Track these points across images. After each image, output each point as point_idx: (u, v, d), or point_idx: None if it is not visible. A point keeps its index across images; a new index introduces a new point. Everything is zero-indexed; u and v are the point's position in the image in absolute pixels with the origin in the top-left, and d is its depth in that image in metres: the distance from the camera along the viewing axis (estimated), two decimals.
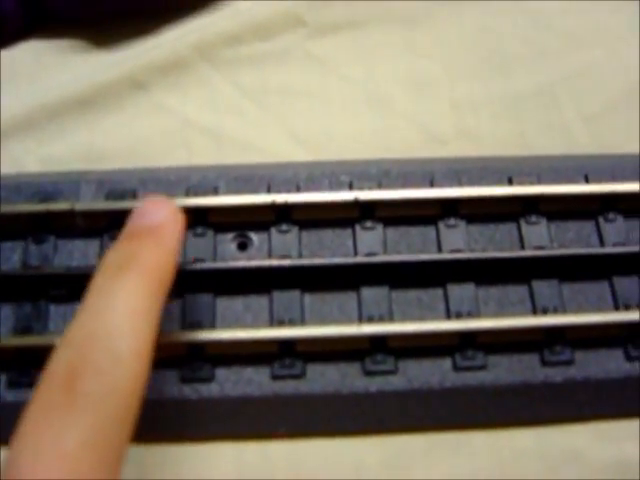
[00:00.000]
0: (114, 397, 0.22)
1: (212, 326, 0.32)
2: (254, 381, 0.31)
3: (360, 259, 0.33)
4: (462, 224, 0.35)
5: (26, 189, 0.35)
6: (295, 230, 0.34)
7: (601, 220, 0.35)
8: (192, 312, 0.32)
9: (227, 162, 0.38)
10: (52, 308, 0.33)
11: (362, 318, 0.33)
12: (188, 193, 0.35)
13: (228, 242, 0.34)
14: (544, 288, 0.33)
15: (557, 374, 0.32)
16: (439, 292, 0.33)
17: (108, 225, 0.34)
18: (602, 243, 0.35)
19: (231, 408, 0.31)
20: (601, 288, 0.34)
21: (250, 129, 0.39)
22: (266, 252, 0.34)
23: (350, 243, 0.34)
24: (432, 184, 0.36)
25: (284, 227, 0.34)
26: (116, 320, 0.23)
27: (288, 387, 0.31)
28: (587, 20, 0.43)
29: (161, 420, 0.31)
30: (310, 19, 0.42)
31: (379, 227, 0.34)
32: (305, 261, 0.33)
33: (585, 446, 0.32)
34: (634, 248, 0.34)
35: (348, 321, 0.33)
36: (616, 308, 0.33)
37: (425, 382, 0.32)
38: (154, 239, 0.26)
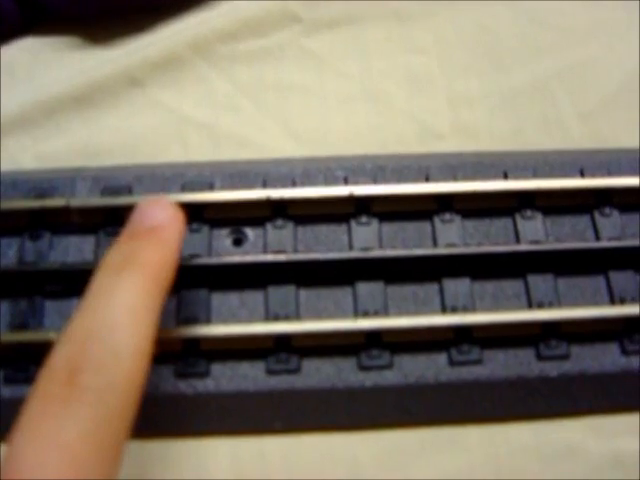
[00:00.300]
0: (114, 391, 0.22)
1: (207, 321, 0.32)
2: (249, 376, 0.31)
3: (355, 254, 0.33)
4: (457, 219, 0.35)
5: (22, 185, 0.35)
6: (290, 225, 0.34)
7: (597, 214, 0.35)
8: (187, 307, 0.32)
9: (223, 158, 0.38)
10: (48, 304, 0.33)
11: (357, 313, 0.33)
12: (184, 189, 0.35)
13: (223, 238, 0.34)
14: (540, 282, 0.33)
15: (553, 368, 0.32)
16: (434, 287, 0.33)
17: (104, 221, 0.34)
18: (598, 237, 0.35)
19: (226, 403, 0.31)
20: (597, 282, 0.34)
21: (246, 125, 0.39)
22: (261, 247, 0.34)
23: (345, 238, 0.34)
24: (427, 179, 0.36)
25: (279, 222, 0.34)
26: (117, 317, 0.23)
27: (283, 382, 0.31)
28: (583, 16, 0.43)
29: (156, 415, 0.31)
30: (305, 15, 0.42)
31: (374, 222, 0.34)
32: (300, 256, 0.33)
33: (581, 441, 0.32)
34: (630, 242, 0.34)
35: (343, 316, 0.33)
36: (612, 302, 0.33)
37: (421, 377, 0.32)
38: (155, 238, 0.26)
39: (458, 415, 0.32)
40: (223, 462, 0.31)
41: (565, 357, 0.32)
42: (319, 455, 0.31)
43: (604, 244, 0.34)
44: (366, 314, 0.32)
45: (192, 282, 0.33)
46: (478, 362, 0.32)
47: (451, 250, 0.33)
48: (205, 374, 0.31)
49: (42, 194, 0.35)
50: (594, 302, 0.33)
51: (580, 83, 0.41)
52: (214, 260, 0.33)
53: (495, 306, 0.33)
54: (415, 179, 0.36)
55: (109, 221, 0.34)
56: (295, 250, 0.34)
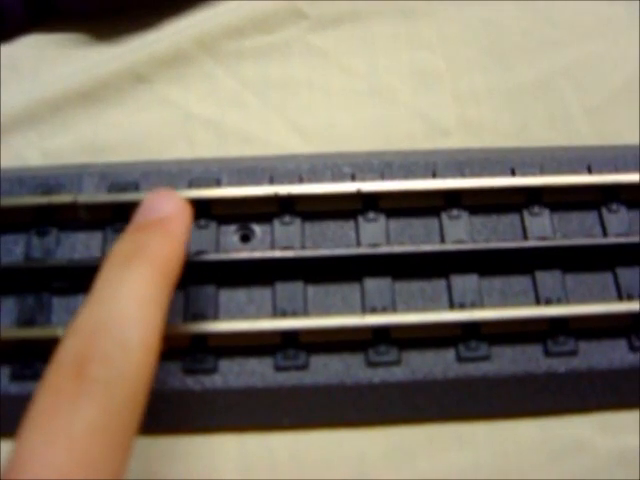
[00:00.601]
0: (122, 384, 0.22)
1: (215, 317, 0.32)
2: (257, 372, 0.31)
3: (363, 250, 0.33)
4: (465, 215, 0.35)
5: (28, 182, 0.35)
6: (298, 222, 0.34)
7: (604, 211, 0.35)
8: (195, 304, 0.32)
9: (229, 154, 0.38)
10: (55, 300, 0.33)
11: (365, 309, 0.32)
12: (191, 185, 0.35)
13: (231, 234, 0.34)
14: (547, 279, 0.33)
15: (560, 365, 0.32)
16: (442, 283, 0.33)
17: (111, 217, 0.34)
18: (605, 234, 0.35)
19: (234, 399, 0.31)
20: (604, 278, 0.34)
21: (252, 121, 0.39)
22: (269, 244, 0.34)
23: (353, 234, 0.34)
24: (435, 175, 0.36)
25: (287, 219, 0.34)
26: (124, 309, 0.23)
27: (291, 378, 0.31)
28: (588, 12, 0.43)
29: (164, 412, 0.31)
30: (311, 12, 0.42)
31: (382, 218, 0.34)
32: (308, 252, 0.33)
33: (589, 437, 0.32)
34: (637, 238, 0.34)
35: (351, 312, 0.33)
36: (619, 298, 0.33)
37: (428, 373, 0.32)
38: (162, 230, 0.26)
39: (466, 411, 0.32)
40: (231, 458, 0.31)
41: (573, 353, 0.32)
42: (327, 451, 0.31)
43: (611, 240, 0.34)
44: (374, 310, 0.32)
45: (200, 278, 0.33)
46: (486, 358, 0.32)
47: (459, 246, 0.33)
48: (213, 370, 0.31)
49: (49, 190, 0.35)
50: (602, 298, 0.33)
51: (586, 79, 0.41)
52: (222, 256, 0.33)
53: (503, 302, 0.33)
54: (422, 175, 0.36)
55: (116, 217, 0.34)
56: (303, 246, 0.34)
